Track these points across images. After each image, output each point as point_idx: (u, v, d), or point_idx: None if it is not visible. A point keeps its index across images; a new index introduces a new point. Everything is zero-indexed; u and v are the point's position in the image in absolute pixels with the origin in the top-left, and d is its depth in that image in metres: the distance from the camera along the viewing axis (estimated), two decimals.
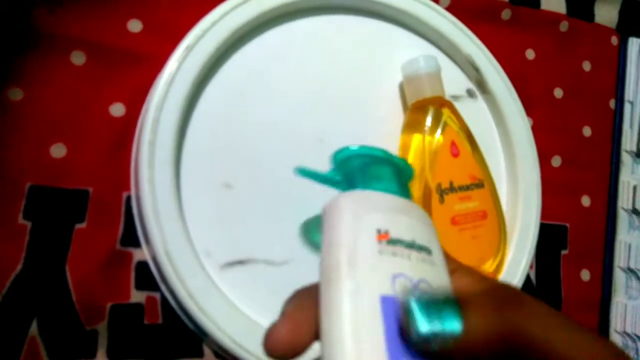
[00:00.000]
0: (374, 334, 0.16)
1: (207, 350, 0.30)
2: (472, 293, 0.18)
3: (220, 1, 0.31)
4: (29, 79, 0.29)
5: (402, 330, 0.16)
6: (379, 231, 0.20)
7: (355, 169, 0.23)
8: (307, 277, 0.30)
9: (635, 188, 0.41)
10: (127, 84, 0.31)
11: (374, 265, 0.19)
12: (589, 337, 0.16)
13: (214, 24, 0.30)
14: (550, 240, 0.39)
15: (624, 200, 0.41)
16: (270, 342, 0.17)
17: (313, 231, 0.25)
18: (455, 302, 0.16)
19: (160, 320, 0.29)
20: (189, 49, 0.30)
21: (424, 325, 0.16)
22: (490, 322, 0.16)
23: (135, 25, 0.32)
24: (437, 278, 0.19)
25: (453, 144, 0.32)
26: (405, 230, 0.20)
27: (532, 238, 0.35)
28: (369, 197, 0.21)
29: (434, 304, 0.16)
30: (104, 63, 0.31)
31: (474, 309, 0.16)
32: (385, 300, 0.18)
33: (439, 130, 0.32)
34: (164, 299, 0.29)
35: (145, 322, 0.29)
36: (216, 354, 0.30)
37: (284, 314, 0.19)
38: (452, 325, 0.16)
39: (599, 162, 0.42)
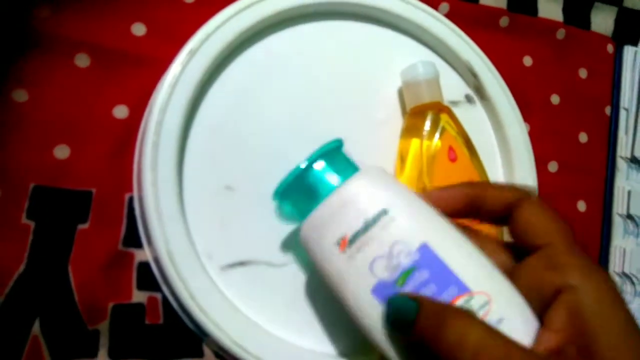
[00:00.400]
0: (380, 319, 0.22)
1: (207, 351, 0.30)
2: None
3: (223, 6, 0.32)
4: (33, 80, 0.30)
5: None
6: (337, 243, 0.23)
7: (293, 200, 0.26)
8: (305, 278, 0.31)
9: (630, 193, 0.41)
10: (130, 87, 0.31)
11: (353, 273, 0.23)
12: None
13: (217, 28, 0.31)
14: None
15: (619, 205, 0.41)
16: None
17: (282, 204, 0.29)
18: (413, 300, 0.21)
19: (161, 321, 0.29)
20: (193, 52, 0.30)
21: (392, 308, 0.22)
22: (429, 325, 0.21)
23: (139, 29, 0.32)
24: (402, 226, 0.23)
25: (451, 148, 0.33)
26: (355, 219, 0.23)
27: None
28: (315, 219, 0.24)
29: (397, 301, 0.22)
30: (108, 65, 0.31)
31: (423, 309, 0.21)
32: (377, 290, 0.22)
33: (437, 135, 0.33)
34: (165, 299, 0.29)
35: (147, 322, 0.29)
36: (216, 355, 0.30)
37: None
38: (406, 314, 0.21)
39: (594, 168, 0.43)
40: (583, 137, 0.43)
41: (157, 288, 0.29)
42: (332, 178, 0.25)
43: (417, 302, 0.21)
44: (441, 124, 0.33)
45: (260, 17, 0.32)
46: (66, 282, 0.28)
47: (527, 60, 0.42)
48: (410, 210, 0.23)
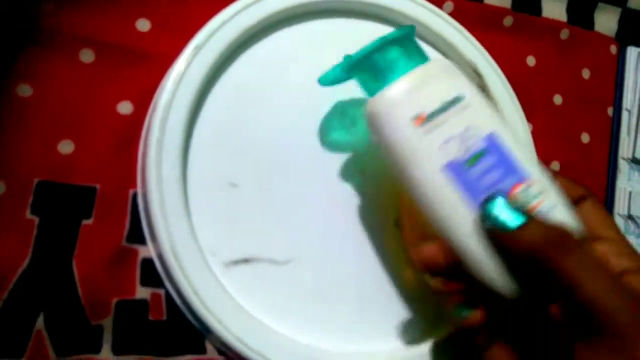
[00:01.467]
0: (451, 197, 0.24)
1: (209, 347, 0.30)
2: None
3: (228, 2, 0.32)
4: (38, 75, 0.30)
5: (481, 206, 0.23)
6: (413, 119, 0.24)
7: (368, 69, 0.26)
8: (308, 277, 0.31)
9: (630, 194, 0.42)
10: (135, 83, 0.31)
11: (425, 149, 0.24)
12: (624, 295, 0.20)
13: (223, 24, 0.31)
14: None
15: (620, 206, 0.42)
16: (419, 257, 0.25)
17: (329, 131, 0.30)
18: (522, 211, 0.22)
19: (164, 317, 0.29)
20: (198, 48, 0.30)
21: (491, 211, 0.23)
22: (538, 241, 0.21)
23: (143, 25, 0.32)
24: (475, 114, 0.25)
25: None
26: (433, 98, 0.24)
27: None
28: (392, 92, 0.25)
29: (511, 204, 0.23)
30: (112, 61, 0.31)
31: (530, 226, 0.22)
32: (447, 168, 0.24)
33: None
34: (168, 295, 0.30)
35: (150, 318, 0.29)
36: (219, 351, 0.30)
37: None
38: (510, 219, 0.22)
39: (596, 169, 0.43)
40: (585, 138, 0.43)
41: (161, 284, 0.30)
42: (407, 59, 0.26)
43: (526, 216, 0.22)
44: None
45: (266, 14, 0.32)
46: (70, 278, 0.28)
47: (531, 60, 0.42)
48: (480, 101, 0.25)
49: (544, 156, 0.40)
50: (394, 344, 0.32)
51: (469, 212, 0.23)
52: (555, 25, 0.43)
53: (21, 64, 0.29)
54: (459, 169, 0.24)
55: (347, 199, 0.33)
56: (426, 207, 0.24)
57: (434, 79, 0.25)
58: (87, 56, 0.31)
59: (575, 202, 0.26)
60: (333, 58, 0.34)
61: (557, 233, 0.22)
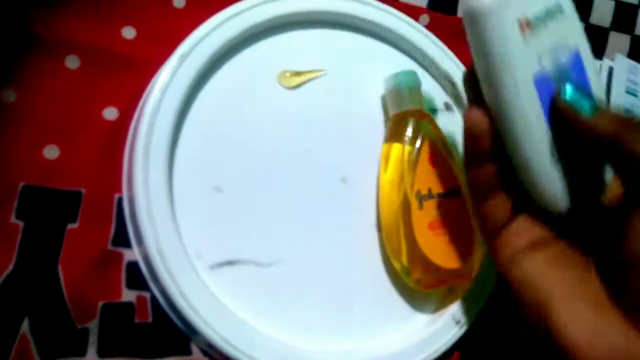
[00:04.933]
0: (535, 109, 0.24)
1: (195, 349, 0.30)
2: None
3: (213, 12, 0.32)
4: (23, 80, 0.30)
5: (554, 98, 0.24)
6: (520, 23, 0.24)
7: None
8: (293, 278, 0.32)
9: None
10: (120, 89, 0.32)
11: (524, 58, 0.23)
12: None
13: (208, 33, 0.32)
14: None
15: None
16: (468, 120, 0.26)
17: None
18: (593, 99, 0.24)
19: (150, 319, 0.30)
20: (184, 56, 0.31)
21: (570, 93, 0.23)
22: (612, 127, 0.23)
23: (129, 32, 0.33)
24: (568, 27, 0.25)
25: (431, 153, 0.34)
26: (538, 2, 0.24)
27: None
28: None
29: (583, 90, 0.24)
30: (98, 68, 0.31)
31: (606, 112, 0.23)
32: (538, 79, 0.24)
33: (418, 141, 0.34)
34: (154, 298, 0.30)
35: (136, 321, 0.29)
36: (204, 352, 0.30)
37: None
38: (587, 105, 0.23)
39: None
40: None
41: (146, 287, 0.30)
42: None
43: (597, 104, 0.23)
44: (422, 130, 0.34)
45: (250, 23, 0.33)
46: (55, 281, 0.28)
47: None
48: (574, 14, 0.26)
49: None
50: (377, 343, 0.33)
51: (546, 127, 0.24)
52: None
53: (6, 70, 0.29)
54: (546, 84, 0.24)
55: (330, 202, 0.34)
56: (507, 115, 0.24)
57: None
58: (72, 62, 0.31)
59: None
60: (313, 66, 0.36)
61: (631, 120, 0.22)
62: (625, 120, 0.23)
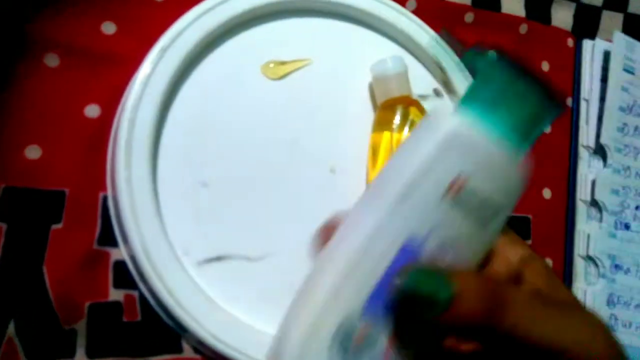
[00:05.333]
0: (376, 269, 0.16)
1: (186, 346, 0.30)
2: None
3: (193, 4, 0.32)
4: (2, 81, 0.29)
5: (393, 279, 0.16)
6: (454, 180, 0.17)
7: (483, 80, 0.18)
8: (283, 272, 0.31)
9: (593, 181, 0.43)
10: (101, 86, 0.31)
11: (429, 211, 0.17)
12: (577, 322, 0.18)
13: (188, 26, 0.31)
14: (514, 231, 0.41)
15: (582, 192, 0.43)
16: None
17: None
18: (446, 281, 0.16)
19: (139, 318, 0.29)
20: (164, 50, 0.30)
21: (413, 283, 0.16)
22: (477, 308, 0.16)
23: (109, 27, 0.32)
24: (471, 245, 0.18)
25: None
26: (483, 184, 0.17)
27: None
28: (472, 131, 0.17)
29: (431, 273, 0.17)
30: (78, 65, 0.31)
31: (467, 290, 0.16)
32: (405, 249, 0.16)
33: (406, 128, 0.34)
34: (142, 297, 0.30)
35: (124, 319, 0.29)
36: (195, 350, 0.30)
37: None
38: (435, 294, 0.16)
39: (558, 157, 0.44)
40: (547, 128, 0.44)
41: (134, 286, 0.29)
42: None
43: (451, 280, 0.16)
44: (410, 117, 0.34)
45: (231, 14, 0.32)
46: (41, 283, 0.28)
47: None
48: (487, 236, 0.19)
49: None
50: None
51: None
52: (514, 20, 0.44)
53: None
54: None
55: (319, 193, 0.33)
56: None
57: (496, 174, 0.17)
58: (52, 60, 0.30)
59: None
60: (298, 55, 0.35)
61: (488, 289, 0.17)
62: (495, 293, 0.17)
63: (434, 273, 0.17)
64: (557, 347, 0.17)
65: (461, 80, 0.39)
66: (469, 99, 0.18)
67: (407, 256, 0.16)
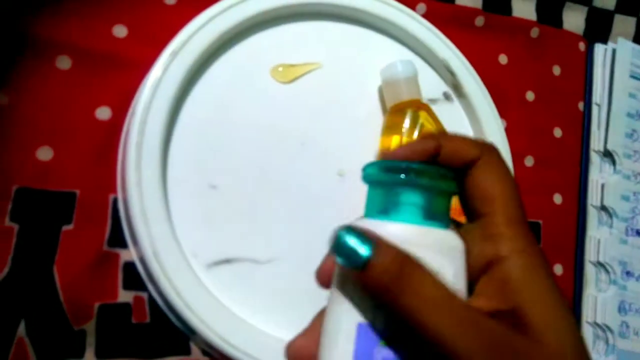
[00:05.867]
0: (347, 351, 0.18)
1: (194, 348, 0.30)
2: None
3: (204, 7, 0.32)
4: (14, 83, 0.30)
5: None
6: None
7: (380, 190, 0.21)
8: (291, 275, 0.31)
9: (603, 186, 0.43)
10: (112, 88, 0.31)
11: (357, 298, 0.19)
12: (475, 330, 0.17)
13: (198, 29, 0.31)
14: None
15: (593, 197, 0.43)
16: (289, 350, 0.21)
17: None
18: (369, 241, 0.18)
19: (148, 319, 0.29)
20: (175, 53, 0.30)
21: (338, 244, 0.18)
22: (383, 277, 0.17)
23: (120, 31, 0.32)
24: None
25: None
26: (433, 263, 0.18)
27: None
28: (379, 229, 0.19)
29: (360, 234, 0.18)
30: (90, 67, 0.31)
31: (383, 250, 0.18)
32: (361, 327, 0.18)
33: (416, 132, 0.33)
34: (151, 298, 0.30)
35: (133, 321, 0.29)
36: (203, 352, 0.30)
37: (305, 328, 0.21)
38: (357, 253, 0.18)
39: (569, 162, 0.44)
40: (558, 132, 0.44)
41: (143, 287, 0.30)
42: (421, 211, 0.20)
43: (373, 243, 0.18)
44: (420, 120, 0.34)
45: (242, 18, 0.32)
46: (51, 283, 0.28)
47: (503, 59, 0.43)
48: None
49: (519, 151, 0.41)
50: None
51: None
52: (525, 24, 0.44)
53: None
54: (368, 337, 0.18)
55: (328, 196, 0.33)
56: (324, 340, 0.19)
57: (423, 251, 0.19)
58: (63, 63, 0.31)
59: (470, 165, 0.20)
60: (308, 59, 0.35)
61: (397, 261, 0.17)
62: (402, 268, 0.17)
63: (362, 234, 0.18)
64: (447, 349, 0.16)
65: (471, 84, 0.38)
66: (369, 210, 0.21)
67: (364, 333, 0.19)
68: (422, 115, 0.34)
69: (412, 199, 0.20)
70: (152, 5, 0.33)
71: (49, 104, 0.30)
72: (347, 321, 0.19)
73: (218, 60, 0.33)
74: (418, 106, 0.34)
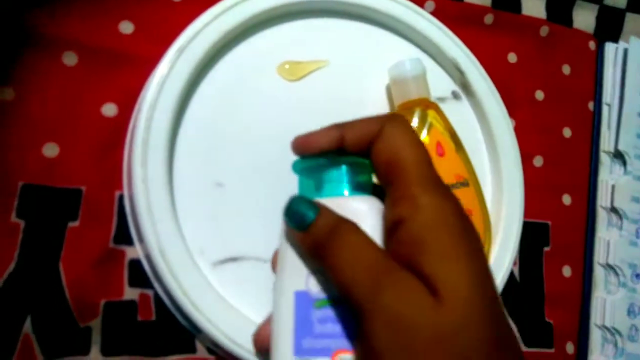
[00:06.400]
0: (289, 317, 0.22)
1: (199, 346, 0.30)
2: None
3: (211, 4, 0.32)
4: (21, 79, 0.30)
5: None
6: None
7: (309, 176, 0.26)
8: None
9: (613, 187, 0.42)
10: (118, 85, 0.31)
11: (293, 267, 0.22)
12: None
13: (205, 26, 0.31)
14: (533, 238, 0.40)
15: (603, 198, 0.42)
16: (254, 338, 0.24)
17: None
18: (314, 207, 0.21)
19: (153, 317, 0.29)
20: (181, 50, 0.30)
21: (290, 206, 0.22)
22: (317, 240, 0.20)
23: (126, 27, 0.32)
24: None
25: (438, 144, 0.33)
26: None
27: (516, 235, 0.37)
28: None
29: (308, 202, 0.22)
30: (96, 64, 0.31)
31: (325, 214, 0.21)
32: (298, 294, 0.22)
33: (424, 131, 0.33)
34: (157, 296, 0.30)
35: (139, 318, 0.29)
36: (209, 350, 0.30)
37: (267, 316, 0.24)
38: (305, 215, 0.21)
39: (578, 162, 0.43)
40: (567, 132, 0.43)
41: (149, 285, 0.30)
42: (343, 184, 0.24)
43: (318, 209, 0.21)
44: (428, 119, 0.33)
45: (248, 15, 0.32)
46: (57, 280, 0.28)
47: (512, 57, 0.42)
48: None
49: (527, 151, 0.41)
50: None
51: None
52: (535, 22, 0.44)
53: (3, 68, 0.29)
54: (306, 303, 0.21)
55: None
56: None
57: (351, 214, 0.22)
58: (70, 59, 0.31)
59: (372, 141, 0.22)
60: (315, 57, 0.35)
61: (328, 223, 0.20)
62: (333, 232, 0.20)
63: (310, 202, 0.22)
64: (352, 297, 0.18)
65: (480, 83, 0.38)
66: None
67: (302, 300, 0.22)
68: (431, 114, 0.34)
69: (332, 177, 0.24)
70: (159, 2, 0.33)
71: (55, 100, 0.30)
72: (287, 291, 0.22)
73: (224, 57, 0.33)
74: (426, 105, 0.34)
